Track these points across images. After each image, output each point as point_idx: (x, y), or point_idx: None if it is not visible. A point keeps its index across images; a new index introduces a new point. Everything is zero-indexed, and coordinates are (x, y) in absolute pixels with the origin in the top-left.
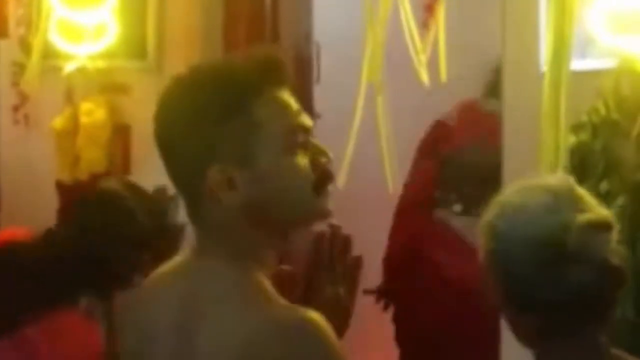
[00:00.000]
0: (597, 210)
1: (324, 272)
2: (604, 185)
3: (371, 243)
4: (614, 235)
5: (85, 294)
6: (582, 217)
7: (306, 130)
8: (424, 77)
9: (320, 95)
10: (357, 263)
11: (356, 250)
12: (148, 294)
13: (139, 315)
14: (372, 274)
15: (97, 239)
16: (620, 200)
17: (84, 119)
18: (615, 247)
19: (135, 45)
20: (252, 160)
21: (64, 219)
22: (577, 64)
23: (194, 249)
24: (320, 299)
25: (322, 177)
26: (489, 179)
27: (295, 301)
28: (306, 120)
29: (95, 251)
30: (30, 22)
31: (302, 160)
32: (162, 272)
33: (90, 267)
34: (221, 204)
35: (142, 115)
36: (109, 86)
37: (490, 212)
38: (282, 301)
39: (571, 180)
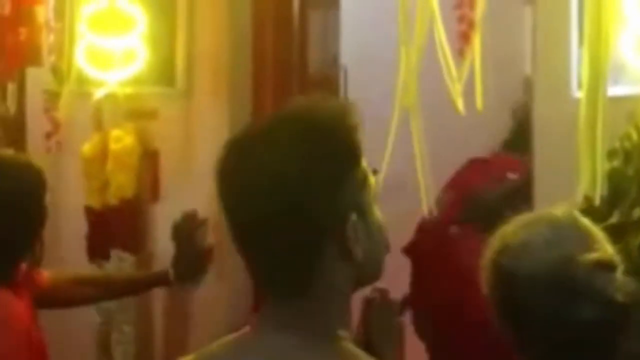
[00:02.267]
0: (603, 246)
1: (374, 339)
2: (637, 212)
3: (404, 268)
4: (619, 272)
5: None
6: (588, 257)
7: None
8: (460, 106)
9: None
10: (402, 327)
11: (389, 275)
12: None
13: None
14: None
15: None
16: None
17: (112, 145)
18: (621, 284)
19: (163, 72)
20: (366, 212)
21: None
22: (609, 90)
23: (270, 322)
24: None
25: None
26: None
27: None
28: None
29: None
30: (61, 50)
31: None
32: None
33: None
34: (349, 262)
35: (171, 140)
36: (137, 112)
37: (493, 249)
38: None
39: (576, 212)
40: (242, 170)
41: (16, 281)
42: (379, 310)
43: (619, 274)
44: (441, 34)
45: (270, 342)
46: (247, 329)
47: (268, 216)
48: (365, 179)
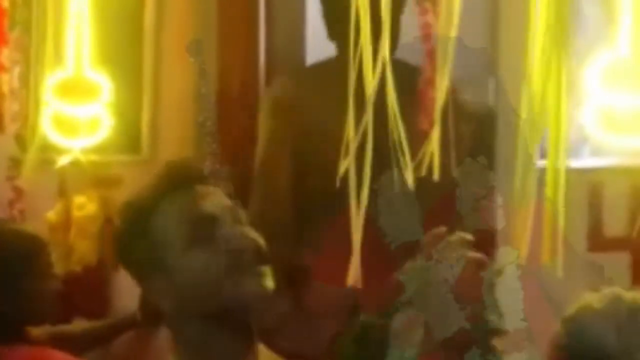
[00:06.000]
0: None
1: None
2: None
3: None
4: None
5: None
6: None
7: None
8: (410, 180)
9: None
10: None
11: None
12: None
13: None
14: None
15: None
16: None
17: (76, 213)
18: None
19: (128, 139)
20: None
21: None
22: (572, 162)
23: None
24: None
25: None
26: None
27: None
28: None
29: None
30: (25, 117)
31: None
32: None
33: None
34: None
35: None
36: (102, 179)
37: None
38: None
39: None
40: None
41: None
42: None
43: None
44: (396, 113)
45: None
46: None
47: None
48: None
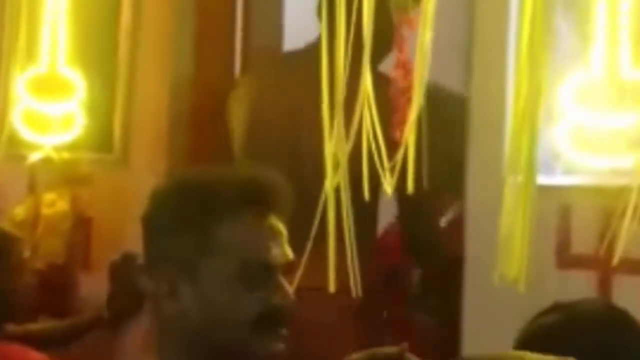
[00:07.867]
0: None
1: None
2: None
3: None
4: None
5: None
6: None
7: (270, 268)
8: (389, 189)
9: None
10: None
11: None
12: None
13: None
14: None
15: None
16: None
17: (45, 210)
18: None
19: (101, 139)
20: (197, 277)
21: None
22: (543, 179)
23: None
24: None
25: (271, 317)
26: None
27: None
28: (275, 257)
29: None
30: None
31: (249, 295)
32: None
33: None
34: (162, 309)
35: (106, 208)
36: (72, 178)
37: None
38: None
39: None
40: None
41: None
42: None
43: None
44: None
45: None
46: None
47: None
48: (203, 249)
